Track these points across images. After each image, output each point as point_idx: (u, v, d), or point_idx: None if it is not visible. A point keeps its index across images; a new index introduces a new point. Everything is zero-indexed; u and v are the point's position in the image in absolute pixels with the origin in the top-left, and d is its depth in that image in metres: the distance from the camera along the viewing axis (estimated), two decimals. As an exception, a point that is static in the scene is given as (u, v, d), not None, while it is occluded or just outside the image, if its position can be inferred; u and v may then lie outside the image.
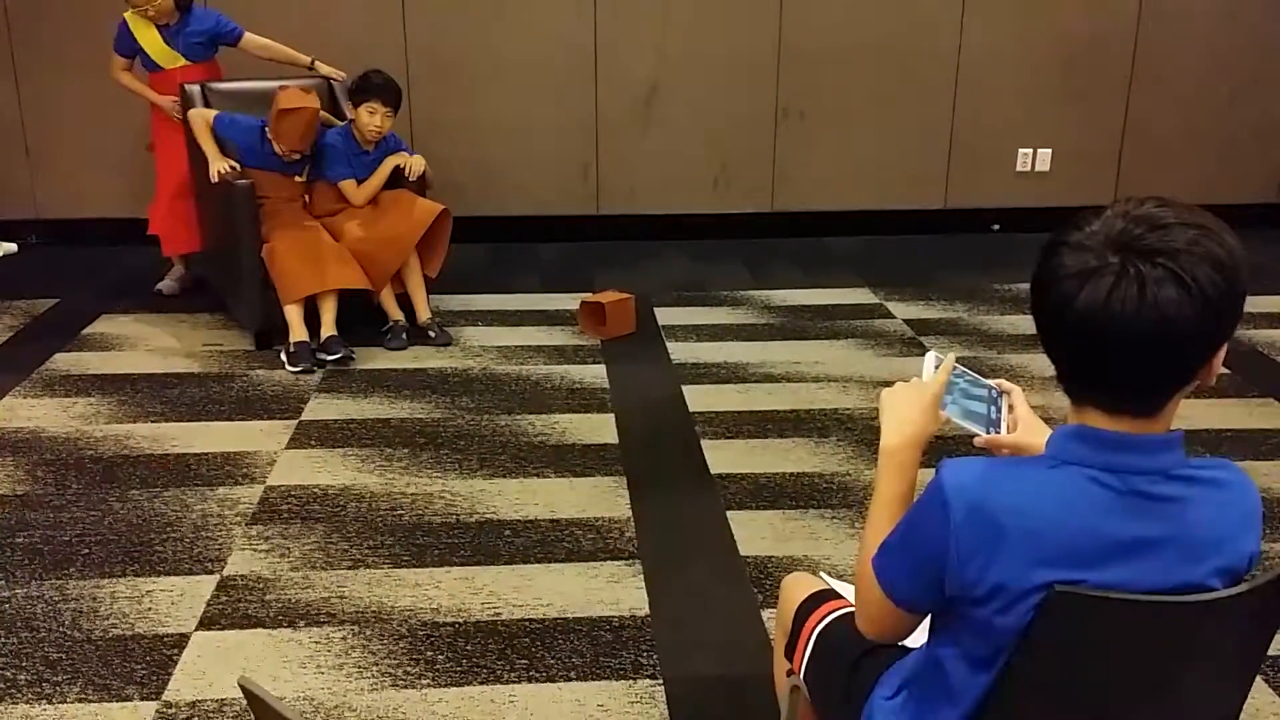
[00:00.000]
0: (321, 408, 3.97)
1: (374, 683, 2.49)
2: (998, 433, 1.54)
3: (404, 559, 2.99)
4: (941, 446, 3.63)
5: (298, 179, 4.57)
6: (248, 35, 4.88)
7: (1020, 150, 6.29)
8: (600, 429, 3.80)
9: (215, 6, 5.26)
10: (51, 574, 2.91)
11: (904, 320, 4.93)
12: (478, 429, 3.80)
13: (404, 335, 4.56)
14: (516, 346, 4.58)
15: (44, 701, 2.42)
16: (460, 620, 2.72)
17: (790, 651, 1.77)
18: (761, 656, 2.45)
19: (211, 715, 2.38)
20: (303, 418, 3.88)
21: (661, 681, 2.50)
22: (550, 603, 2.80)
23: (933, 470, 1.29)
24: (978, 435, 1.54)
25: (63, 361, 4.39)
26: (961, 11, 6.02)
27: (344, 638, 2.65)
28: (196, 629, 2.68)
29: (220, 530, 3.13)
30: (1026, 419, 1.55)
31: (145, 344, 4.59)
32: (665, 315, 4.96)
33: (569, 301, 5.01)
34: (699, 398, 4.06)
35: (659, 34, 5.95)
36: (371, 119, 4.52)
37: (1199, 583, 1.25)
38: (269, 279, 4.41)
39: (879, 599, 1.38)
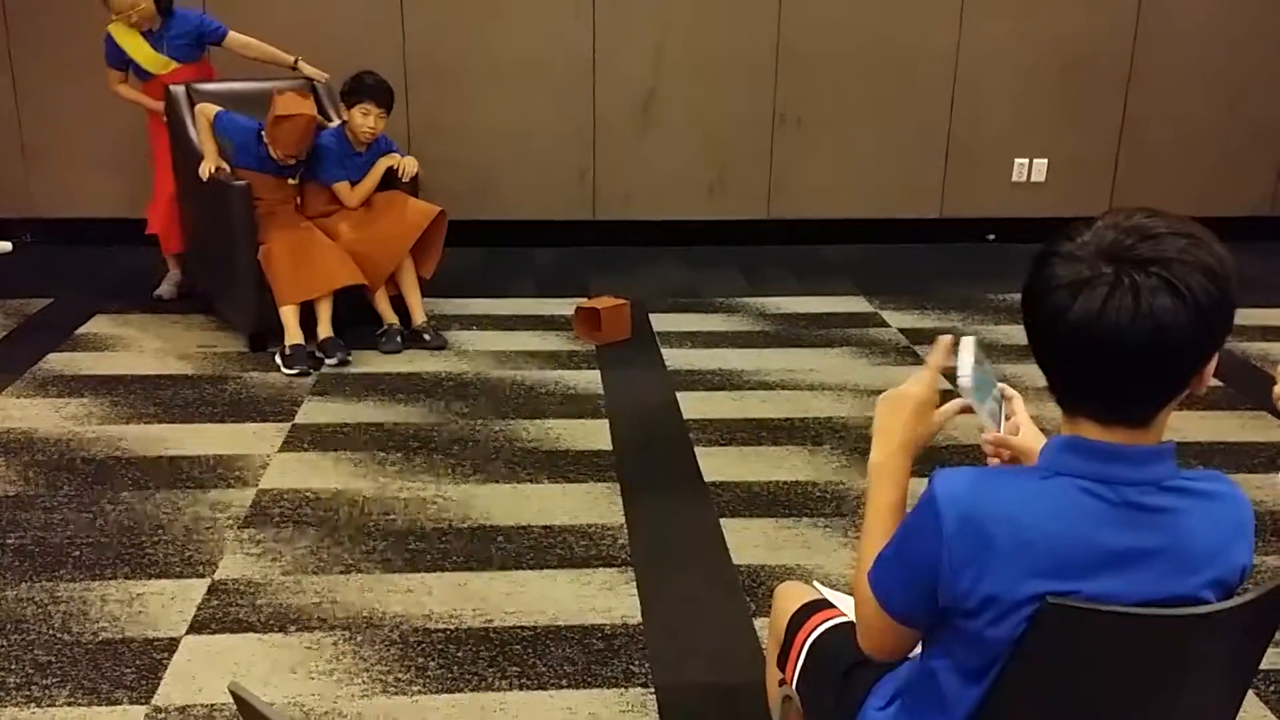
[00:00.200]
0: (315, 411, 3.96)
1: (364, 689, 2.48)
2: (1000, 431, 1.53)
3: (396, 564, 2.98)
4: (935, 456, 3.63)
5: (290, 182, 4.57)
6: (231, 34, 4.88)
7: (1016, 160, 6.30)
8: (594, 435, 3.80)
9: (216, 9, 5.27)
10: (42, 576, 2.90)
11: (899, 329, 4.94)
12: (471, 434, 3.79)
13: (398, 339, 4.56)
14: (511, 351, 4.58)
15: (33, 705, 2.41)
16: (452, 626, 2.71)
17: (782, 661, 1.77)
18: (754, 665, 2.44)
19: (201, 720, 2.38)
20: (296, 421, 3.87)
21: (653, 690, 2.50)
22: (542, 610, 2.79)
23: (925, 480, 1.29)
24: (987, 428, 1.51)
25: (56, 362, 4.38)
26: (958, 21, 6.04)
27: (335, 643, 2.64)
28: (187, 633, 2.67)
29: (212, 533, 3.12)
30: (1026, 426, 1.55)
31: (139, 345, 4.58)
32: (660, 321, 4.96)
33: (564, 307, 5.01)
34: (693, 404, 4.06)
35: (657, 40, 5.96)
36: (365, 120, 4.52)
37: (1191, 595, 1.25)
38: (264, 280, 4.41)
39: (876, 613, 1.37)
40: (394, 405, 4.03)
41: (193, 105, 4.62)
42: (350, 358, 4.38)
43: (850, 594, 1.79)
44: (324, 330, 4.41)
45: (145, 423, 3.84)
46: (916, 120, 6.19)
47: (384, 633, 2.68)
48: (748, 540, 3.14)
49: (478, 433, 3.80)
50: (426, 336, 4.60)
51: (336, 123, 4.68)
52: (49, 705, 2.41)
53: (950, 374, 1.45)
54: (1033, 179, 6.33)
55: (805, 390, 4.22)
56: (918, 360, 4.55)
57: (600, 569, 2.98)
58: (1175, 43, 6.16)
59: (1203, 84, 6.24)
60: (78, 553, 3.01)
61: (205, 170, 4.40)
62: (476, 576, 2.93)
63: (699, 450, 3.69)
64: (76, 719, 2.37)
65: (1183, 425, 3.88)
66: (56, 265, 5.68)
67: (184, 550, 3.03)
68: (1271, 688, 2.50)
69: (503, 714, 2.41)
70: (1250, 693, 2.45)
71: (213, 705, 2.41)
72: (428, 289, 4.79)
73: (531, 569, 2.97)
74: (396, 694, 2.46)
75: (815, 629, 1.72)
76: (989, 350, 4.67)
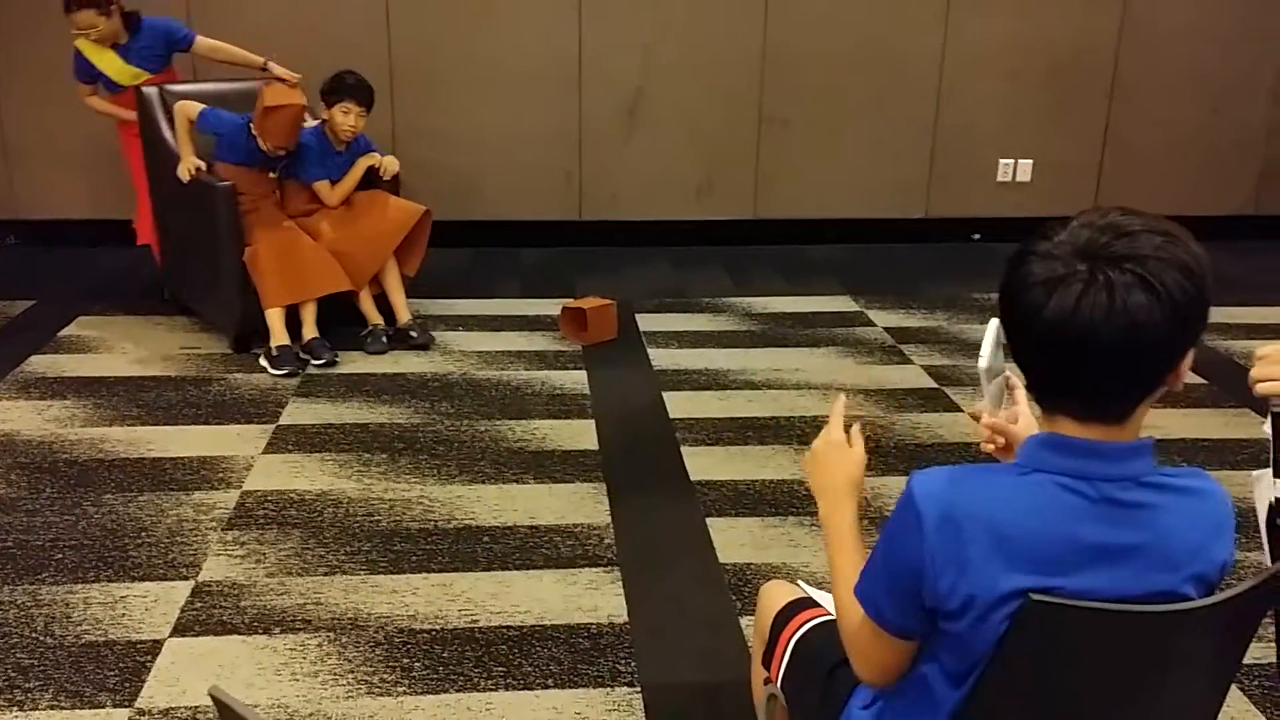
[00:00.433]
0: (299, 412, 3.95)
1: (349, 690, 2.47)
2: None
3: (381, 565, 2.97)
4: (921, 455, 3.64)
5: (271, 175, 4.54)
6: (199, 39, 4.85)
7: (1001, 160, 6.32)
8: (580, 435, 3.79)
9: (201, 13, 5.25)
10: (24, 579, 2.88)
11: (884, 329, 4.94)
12: (457, 434, 3.79)
13: (384, 339, 4.55)
14: (497, 352, 4.57)
15: (15, 709, 2.39)
16: (437, 627, 2.70)
17: (767, 660, 1.77)
18: (740, 664, 2.44)
19: (184, 722, 2.36)
20: (280, 422, 3.86)
21: (639, 689, 2.49)
22: (528, 610, 2.79)
23: (901, 471, 1.29)
24: (988, 411, 1.52)
25: (39, 364, 4.35)
26: (944, 23, 6.05)
27: (319, 645, 2.63)
28: (170, 635, 2.65)
29: (195, 535, 3.11)
30: (1025, 416, 1.55)
31: (122, 347, 4.56)
32: (647, 322, 4.96)
33: (551, 307, 5.00)
34: (679, 404, 4.06)
35: (644, 41, 5.96)
36: (346, 119, 4.52)
37: (1174, 590, 1.25)
38: (248, 282, 4.39)
39: (871, 633, 1.36)
40: (379, 406, 4.01)
41: (166, 107, 4.58)
42: (337, 358, 4.37)
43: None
44: (309, 331, 4.40)
45: (128, 425, 3.82)
46: (902, 121, 6.21)
47: (369, 634, 2.67)
48: (734, 539, 3.14)
49: (463, 433, 3.80)
50: (413, 334, 4.59)
51: (315, 122, 4.67)
52: (31, 709, 2.39)
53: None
54: (1018, 179, 6.35)
55: (791, 390, 4.22)
56: (904, 359, 4.56)
57: (586, 568, 2.97)
58: (1160, 45, 6.19)
59: (1187, 86, 6.27)
60: (60, 555, 2.99)
61: (184, 171, 4.37)
62: (462, 577, 2.93)
63: (685, 450, 3.69)
64: (59, 722, 2.35)
65: (1167, 423, 3.89)
66: (39, 267, 5.65)
67: (167, 552, 3.02)
68: (1255, 682, 2.51)
69: (489, 714, 2.40)
70: (1234, 687, 2.46)
71: (196, 708, 2.40)
72: (413, 290, 4.78)
73: (517, 569, 2.97)
74: (382, 695, 2.45)
75: (800, 628, 1.72)
76: (969, 351, 4.67)
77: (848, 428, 1.58)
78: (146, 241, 5.03)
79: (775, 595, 1.83)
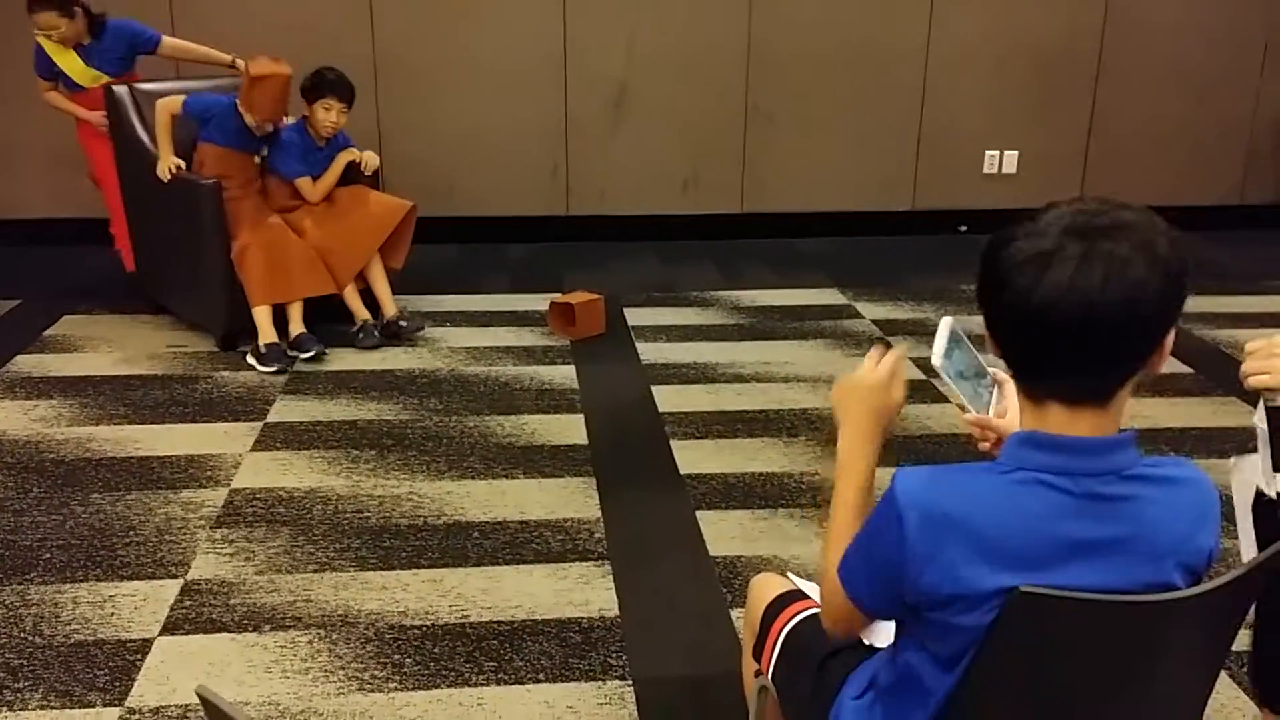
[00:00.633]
0: (287, 409, 3.93)
1: (340, 687, 2.46)
2: (986, 414, 1.53)
3: (371, 562, 2.97)
4: (911, 446, 3.64)
5: (256, 159, 4.52)
6: (165, 40, 4.83)
7: (987, 152, 6.33)
8: (569, 430, 3.79)
9: (183, 10, 5.22)
10: (12, 579, 2.86)
11: (872, 320, 4.95)
12: (446, 430, 3.78)
13: (376, 332, 4.54)
14: (485, 347, 4.56)
15: (4, 709, 2.38)
16: (428, 623, 2.70)
17: (758, 652, 1.77)
18: (730, 656, 2.44)
19: (175, 721, 2.35)
20: (268, 419, 3.85)
21: (631, 682, 2.50)
22: (519, 604, 2.78)
23: (891, 475, 1.29)
24: (967, 410, 1.52)
25: (24, 363, 4.33)
26: (929, 15, 6.06)
27: (310, 641, 2.62)
28: (160, 634, 2.65)
29: (184, 534, 3.10)
30: (1014, 410, 1.54)
31: (108, 345, 4.53)
32: (635, 316, 4.96)
33: (538, 302, 5.00)
34: (668, 398, 4.06)
35: (628, 35, 5.94)
36: (327, 115, 4.51)
37: (1162, 581, 1.25)
38: (234, 279, 4.37)
39: (845, 604, 1.38)
40: (367, 402, 4.00)
41: (139, 106, 4.54)
42: (325, 350, 4.36)
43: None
44: (296, 328, 4.39)
45: (115, 424, 3.80)
46: (888, 113, 6.21)
47: (359, 630, 2.67)
48: (724, 532, 3.14)
49: (452, 429, 3.79)
50: (403, 323, 4.59)
51: (293, 119, 4.65)
52: (21, 709, 2.38)
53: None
54: (1004, 171, 6.36)
55: (780, 382, 4.23)
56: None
57: (577, 563, 2.97)
58: (1144, 36, 6.20)
59: (1172, 77, 6.29)
60: (48, 555, 2.98)
61: (164, 170, 4.34)
62: (452, 573, 2.92)
63: (674, 443, 3.69)
64: (48, 722, 2.34)
65: (1154, 412, 3.91)
66: (23, 266, 5.62)
67: (156, 551, 3.01)
68: (1244, 668, 2.53)
69: (480, 709, 2.40)
70: (1223, 674, 2.47)
71: (186, 706, 2.39)
72: (400, 287, 4.77)
73: (508, 564, 2.97)
74: (373, 691, 2.45)
75: (790, 620, 1.72)
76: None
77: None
78: (120, 249, 4.99)
79: (765, 587, 1.83)
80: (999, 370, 1.58)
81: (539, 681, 2.49)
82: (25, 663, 2.53)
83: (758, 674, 1.78)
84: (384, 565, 2.95)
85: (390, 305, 4.63)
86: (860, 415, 1.50)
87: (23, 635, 2.63)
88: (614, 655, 2.59)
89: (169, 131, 4.38)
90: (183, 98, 4.39)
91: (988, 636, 1.23)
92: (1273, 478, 1.57)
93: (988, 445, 1.56)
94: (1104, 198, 1.22)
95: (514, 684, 2.48)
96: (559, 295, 4.80)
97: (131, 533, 3.10)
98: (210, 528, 3.13)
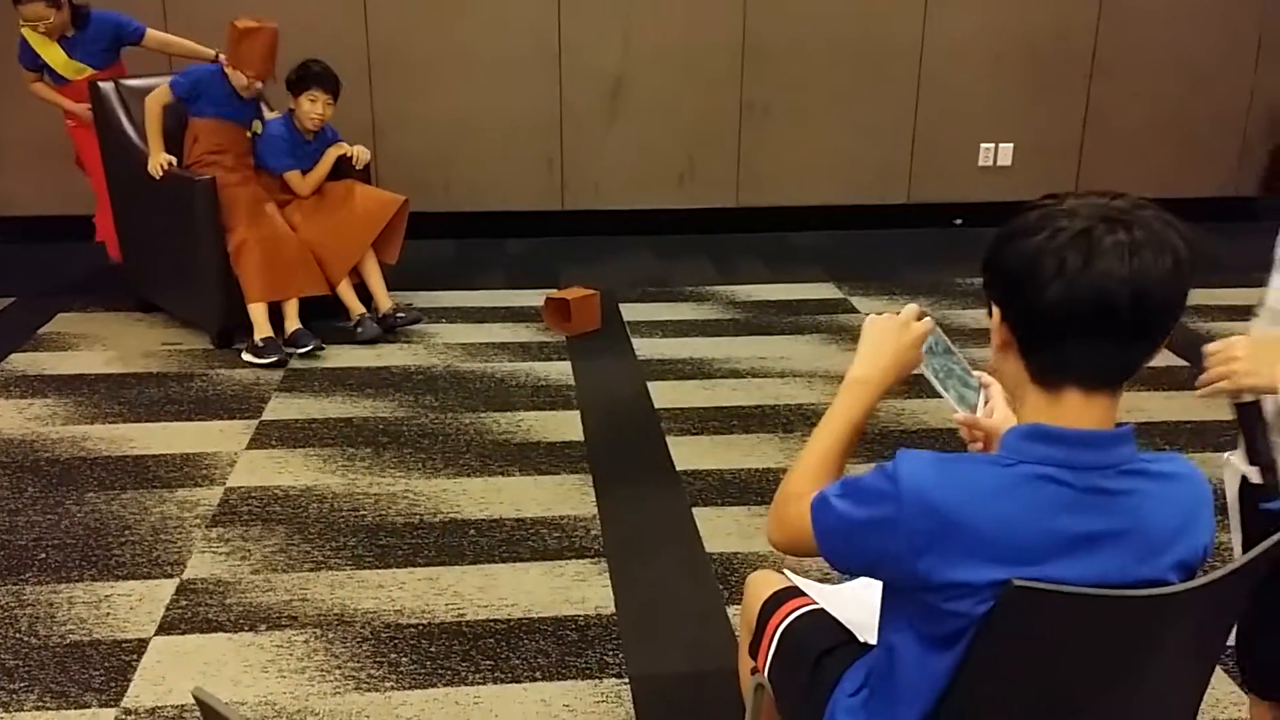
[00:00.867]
0: (282, 407, 3.93)
1: (337, 686, 2.46)
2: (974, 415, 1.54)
3: (367, 560, 2.96)
4: (905, 441, 3.64)
5: (249, 134, 4.51)
6: (150, 32, 4.82)
7: (982, 145, 6.33)
8: (565, 426, 3.78)
9: (177, 4, 5.19)
10: (7, 579, 2.86)
11: (868, 315, 4.94)
12: (441, 427, 3.77)
13: (373, 325, 4.53)
14: (481, 343, 4.56)
15: (0, 709, 2.38)
16: (424, 621, 2.70)
17: (754, 649, 1.77)
18: (727, 653, 2.44)
19: (171, 721, 2.35)
20: (263, 417, 3.84)
21: (627, 680, 2.49)
22: (515, 602, 2.78)
23: (884, 458, 1.28)
24: (955, 410, 1.54)
25: (19, 361, 4.32)
26: (924, 7, 6.05)
27: (306, 641, 2.62)
28: (156, 634, 2.64)
29: (180, 533, 3.09)
30: (1001, 410, 1.55)
31: (102, 343, 4.52)
32: (630, 311, 4.95)
33: (534, 298, 4.99)
34: (664, 394, 4.06)
35: (624, 28, 5.93)
36: (313, 107, 4.50)
37: (1158, 577, 1.25)
38: (230, 276, 4.36)
39: (802, 533, 1.38)
40: (362, 400, 4.00)
41: (124, 101, 4.53)
42: (322, 346, 4.36)
43: (825, 581, 1.79)
44: (292, 324, 4.38)
45: (110, 422, 3.79)
46: (883, 107, 6.20)
47: (355, 629, 2.66)
48: (720, 528, 3.14)
49: (448, 426, 3.78)
50: (401, 314, 4.58)
51: (277, 113, 4.63)
52: (16, 710, 2.38)
53: None
54: (999, 163, 6.36)
55: (776, 377, 4.22)
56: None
57: (573, 560, 2.97)
58: (1139, 28, 6.20)
59: (1166, 68, 6.29)
60: (43, 555, 2.97)
61: (155, 167, 4.33)
62: (448, 571, 2.92)
63: (670, 439, 3.69)
64: (44, 723, 2.34)
65: (1149, 405, 3.91)
66: (17, 264, 5.60)
67: (151, 550, 3.00)
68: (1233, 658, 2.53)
69: (477, 708, 2.40)
70: (1219, 668, 2.47)
71: (183, 706, 2.39)
72: (395, 283, 4.76)
73: (504, 562, 2.96)
74: (369, 690, 2.45)
75: (786, 617, 1.72)
76: (953, 335, 4.68)
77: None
78: (103, 239, 4.98)
79: (761, 584, 1.83)
80: (984, 374, 1.60)
81: (535, 680, 2.49)
82: (20, 663, 2.52)
83: (754, 671, 1.78)
84: (380, 564, 2.95)
85: (385, 300, 4.63)
86: (885, 346, 1.55)
87: (18, 636, 2.63)
88: (610, 653, 2.59)
89: (160, 125, 4.36)
90: (168, 83, 4.38)
91: (983, 630, 1.23)
92: (1250, 469, 1.61)
93: (978, 446, 1.56)
94: (1104, 191, 1.24)
95: (511, 682, 2.48)
96: (554, 291, 4.79)
97: (127, 532, 3.09)
98: (206, 527, 3.12)
